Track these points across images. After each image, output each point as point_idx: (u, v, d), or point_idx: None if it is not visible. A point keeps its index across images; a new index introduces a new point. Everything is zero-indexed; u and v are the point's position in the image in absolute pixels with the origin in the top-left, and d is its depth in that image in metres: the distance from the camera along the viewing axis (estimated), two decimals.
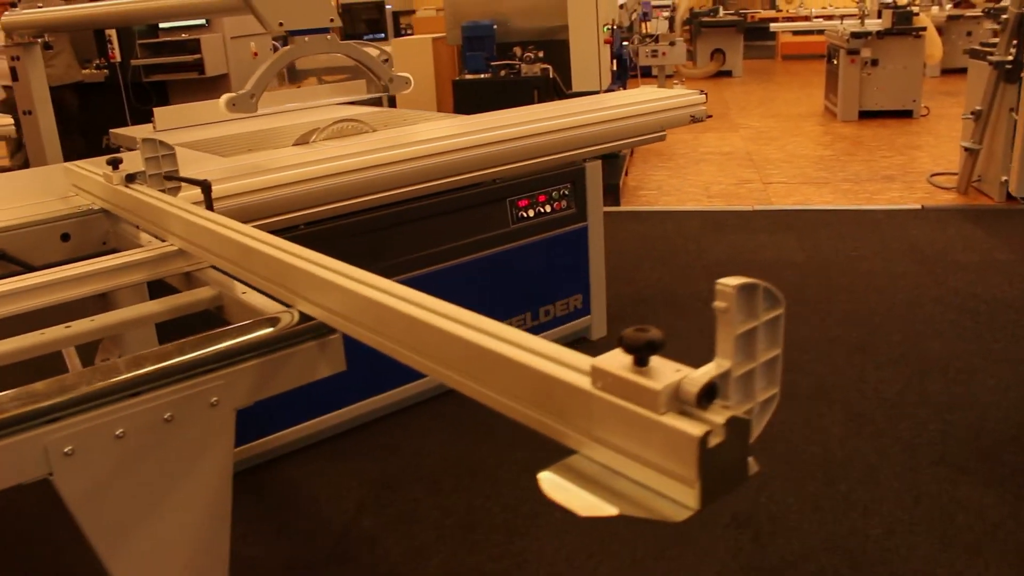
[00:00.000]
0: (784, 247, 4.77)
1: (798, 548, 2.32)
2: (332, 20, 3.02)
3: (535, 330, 3.41)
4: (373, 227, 2.94)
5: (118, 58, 7.06)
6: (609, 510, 0.83)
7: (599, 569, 2.31)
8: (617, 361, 0.86)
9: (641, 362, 0.84)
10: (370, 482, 2.75)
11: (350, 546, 2.45)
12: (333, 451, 2.94)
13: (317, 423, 2.96)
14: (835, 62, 8.91)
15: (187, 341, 1.37)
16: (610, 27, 5.92)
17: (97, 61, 7.18)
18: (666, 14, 12.26)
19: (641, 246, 4.97)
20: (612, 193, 5.92)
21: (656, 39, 9.47)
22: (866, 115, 8.63)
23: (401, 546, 2.43)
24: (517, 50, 6.01)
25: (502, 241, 3.27)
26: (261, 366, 1.42)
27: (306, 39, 2.99)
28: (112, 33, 6.94)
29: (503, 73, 5.94)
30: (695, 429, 0.78)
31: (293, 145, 3.18)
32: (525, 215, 3.33)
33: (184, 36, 7.16)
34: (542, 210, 3.38)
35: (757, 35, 13.89)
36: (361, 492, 2.70)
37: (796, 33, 14.42)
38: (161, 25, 7.07)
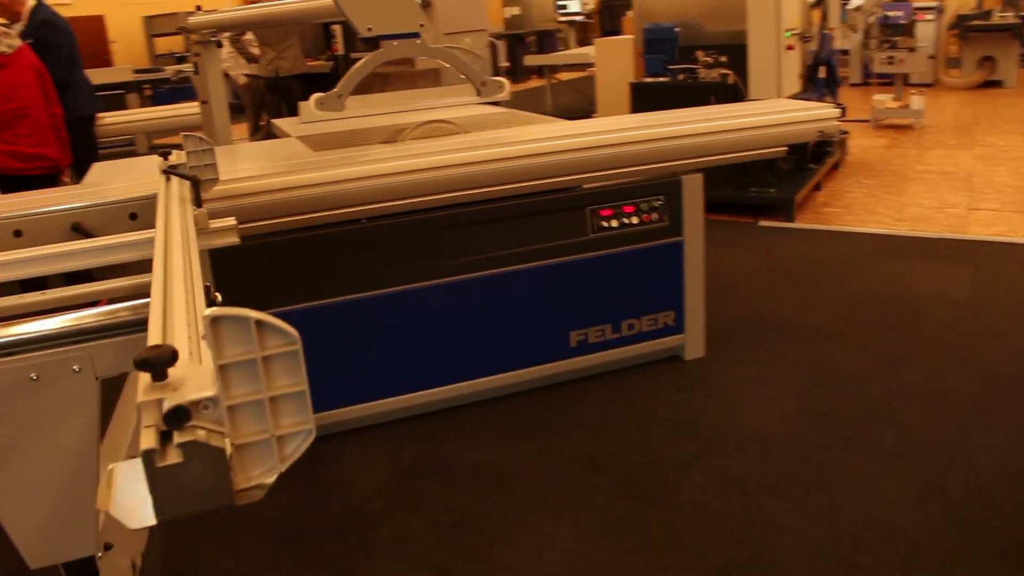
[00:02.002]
0: (951, 282, 4.28)
1: None
2: (421, 25, 3.14)
3: (616, 343, 3.36)
4: (441, 225, 3.03)
5: (341, 51, 7.67)
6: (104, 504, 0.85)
7: None
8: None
9: (157, 376, 0.85)
10: (399, 469, 2.85)
11: (349, 524, 2.57)
12: (384, 435, 3.08)
13: (379, 405, 3.11)
14: None
15: (61, 309, 1.55)
16: (796, 32, 5.57)
17: (326, 53, 7.85)
18: (929, 17, 11.28)
19: (785, 267, 4.66)
20: (785, 209, 5.59)
21: (894, 45, 8.75)
22: None
23: (390, 531, 2.51)
24: (699, 54, 5.83)
25: (579, 250, 3.24)
26: (123, 343, 1.55)
27: (395, 43, 3.14)
28: (337, 28, 7.55)
29: (680, 77, 5.79)
30: (146, 445, 0.79)
31: (381, 143, 3.34)
32: (607, 225, 3.26)
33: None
34: (627, 221, 3.30)
35: None
36: (386, 477, 2.81)
37: None
38: None
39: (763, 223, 5.55)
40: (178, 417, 0.81)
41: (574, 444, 2.94)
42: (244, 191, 2.71)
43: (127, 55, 14.25)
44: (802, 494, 2.59)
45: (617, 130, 3.26)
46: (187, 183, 2.37)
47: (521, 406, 3.22)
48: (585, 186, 3.23)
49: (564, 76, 13.75)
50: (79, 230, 2.56)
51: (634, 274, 3.36)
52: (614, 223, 3.28)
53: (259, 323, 0.85)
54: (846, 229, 5.36)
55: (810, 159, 6.25)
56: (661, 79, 5.92)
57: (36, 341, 1.50)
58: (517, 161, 3.02)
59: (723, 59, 5.74)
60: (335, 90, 3.17)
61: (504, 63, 15.19)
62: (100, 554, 1.76)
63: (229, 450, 0.83)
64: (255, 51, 7.61)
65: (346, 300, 2.96)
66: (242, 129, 7.81)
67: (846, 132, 7.16)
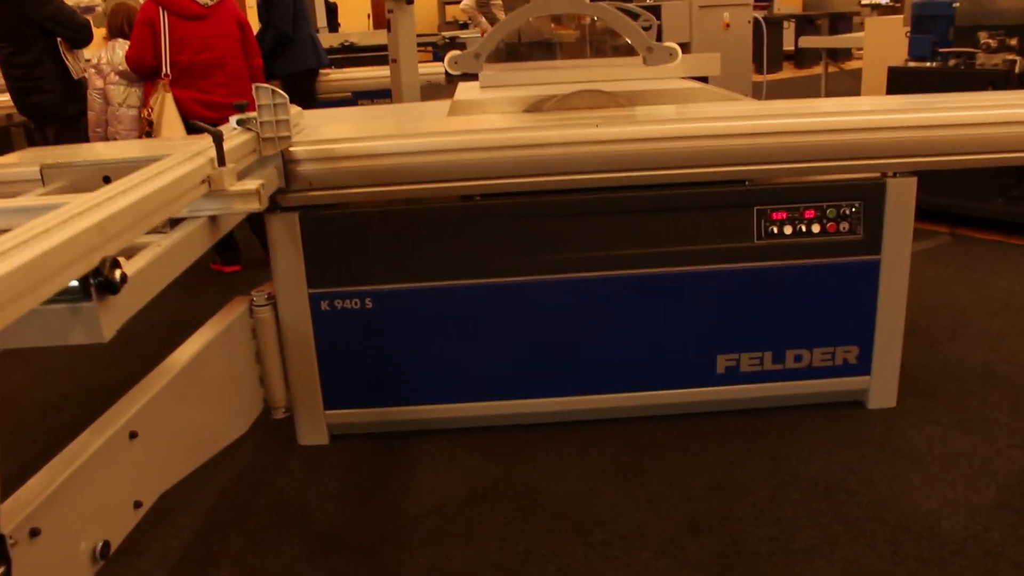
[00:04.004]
0: None
1: None
2: None
3: (776, 376, 2.76)
4: (567, 211, 2.59)
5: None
6: None
7: None
8: None
9: None
10: (469, 486, 2.47)
11: (389, 542, 2.23)
12: (468, 444, 2.70)
13: (469, 408, 2.74)
14: None
15: None
16: None
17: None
18: None
19: None
20: None
21: None
22: None
23: (426, 560, 2.14)
24: (982, 34, 4.80)
25: (739, 257, 2.64)
26: None
27: None
28: None
29: (952, 63, 4.81)
30: None
31: (523, 111, 2.93)
32: (778, 231, 2.64)
33: (649, 1, 7.11)
34: (806, 228, 2.64)
35: None
36: (452, 493, 2.44)
37: None
38: None
39: None
40: None
41: (681, 495, 2.39)
42: (330, 153, 2.42)
43: (420, 22, 14.83)
44: None
45: (804, 114, 2.61)
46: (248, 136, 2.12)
47: (639, 435, 2.71)
48: (754, 180, 2.63)
49: (851, 65, 12.43)
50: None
51: (810, 295, 2.70)
52: (788, 229, 2.64)
53: None
54: None
55: None
56: (927, 64, 4.96)
57: None
58: (663, 144, 2.50)
59: (1012, 42, 4.68)
60: (472, 49, 2.80)
61: (789, 46, 14.13)
62: (12, 539, 1.52)
63: None
64: (500, 15, 7.43)
65: (446, 285, 2.61)
66: None
67: None
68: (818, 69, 12.88)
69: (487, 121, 2.85)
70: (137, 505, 1.85)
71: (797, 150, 2.54)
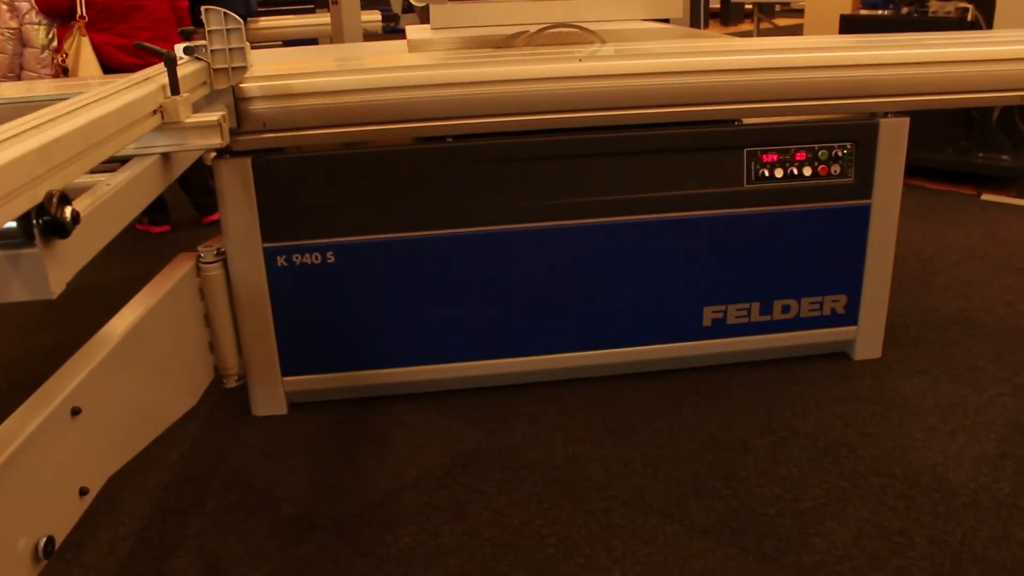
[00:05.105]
0: None
1: None
2: None
3: (764, 328, 2.61)
4: (546, 153, 2.37)
5: None
6: None
7: None
8: None
9: None
10: (452, 455, 2.27)
11: (367, 521, 2.01)
12: (447, 408, 2.50)
13: (446, 370, 2.53)
14: None
15: None
16: None
17: None
18: None
19: (1009, 255, 3.65)
20: (1020, 181, 4.49)
21: None
22: None
23: (411, 538, 1.93)
24: None
25: (727, 203, 2.48)
26: None
27: None
28: None
29: (905, 10, 4.75)
30: None
31: (495, 48, 2.70)
32: (769, 174, 2.48)
33: None
34: (798, 172, 2.50)
35: None
36: (433, 463, 2.24)
37: None
38: None
39: (987, 197, 4.48)
40: None
41: (678, 456, 2.24)
42: (287, 90, 2.15)
43: None
44: None
45: (794, 50, 2.45)
46: (200, 66, 1.84)
47: (626, 394, 2.54)
48: (745, 121, 2.46)
49: (783, 22, 12.45)
50: None
51: (799, 242, 2.56)
52: (779, 172, 2.49)
53: None
54: None
55: None
56: (880, 12, 4.89)
57: None
58: (650, 79, 2.31)
59: None
60: None
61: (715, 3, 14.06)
62: None
63: None
64: None
65: (416, 236, 2.38)
66: None
67: None
68: (745, 26, 12.89)
69: (455, 57, 2.61)
70: (83, 492, 1.59)
71: (790, 87, 2.38)
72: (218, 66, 1.96)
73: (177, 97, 1.59)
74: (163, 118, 1.56)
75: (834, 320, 2.68)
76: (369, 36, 5.27)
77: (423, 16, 3.54)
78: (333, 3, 4.09)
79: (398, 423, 2.43)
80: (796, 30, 11.09)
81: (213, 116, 1.64)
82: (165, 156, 1.64)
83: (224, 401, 2.51)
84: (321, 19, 5.11)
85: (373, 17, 5.13)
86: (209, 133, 1.61)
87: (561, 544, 1.92)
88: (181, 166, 1.72)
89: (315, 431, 2.42)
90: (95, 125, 1.26)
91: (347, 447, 2.33)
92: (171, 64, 1.61)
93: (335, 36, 4.19)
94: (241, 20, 2.04)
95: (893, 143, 2.51)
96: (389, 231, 2.35)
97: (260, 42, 5.38)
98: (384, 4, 6.72)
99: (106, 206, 1.30)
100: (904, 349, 2.80)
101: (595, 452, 2.26)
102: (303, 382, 2.48)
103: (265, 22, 5.46)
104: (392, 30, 5.84)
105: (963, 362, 2.72)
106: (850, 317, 2.68)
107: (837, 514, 2.00)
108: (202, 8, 1.98)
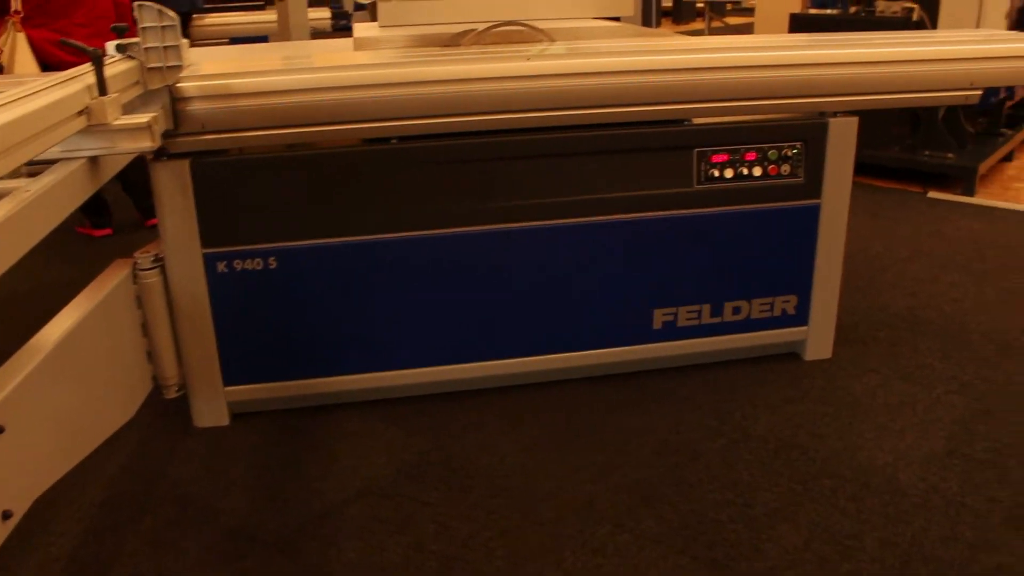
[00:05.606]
0: None
1: None
2: None
3: (714, 330, 2.60)
4: (491, 155, 2.33)
5: None
6: None
7: None
8: None
9: None
10: (397, 464, 2.22)
11: (312, 534, 1.96)
12: (393, 416, 2.45)
13: (391, 377, 2.48)
14: None
15: None
16: None
17: None
18: None
19: (956, 252, 3.69)
20: (965, 179, 4.55)
21: None
22: None
23: (355, 553, 1.88)
24: None
25: (676, 204, 2.46)
26: None
27: None
28: None
29: (853, 9, 4.79)
30: None
31: (442, 46, 2.65)
32: (718, 175, 2.47)
33: None
34: (747, 172, 2.49)
35: None
36: (379, 473, 2.18)
37: None
38: None
39: (934, 194, 4.54)
40: None
41: (628, 461, 2.21)
42: (226, 90, 2.08)
43: None
44: None
45: (744, 49, 2.44)
46: (131, 64, 1.76)
47: (574, 400, 2.51)
48: (694, 121, 2.44)
49: (734, 20, 12.52)
50: None
51: (748, 243, 2.55)
52: (728, 173, 2.48)
53: None
54: None
55: (1004, 122, 5.11)
56: (828, 11, 4.93)
57: None
58: (598, 79, 2.28)
59: None
60: None
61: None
62: None
63: None
64: None
65: (359, 241, 2.32)
66: None
67: None
68: (697, 24, 12.97)
69: (401, 55, 2.55)
70: (6, 516, 1.51)
71: (739, 87, 2.37)
72: (152, 65, 1.88)
73: (105, 98, 1.52)
74: (89, 120, 1.49)
75: (785, 321, 2.67)
76: (318, 34, 5.19)
77: (374, 13, 3.49)
78: (279, 0, 4.00)
79: (344, 432, 2.37)
80: (747, 28, 11.17)
81: (143, 118, 1.57)
82: (93, 160, 1.56)
83: (164, 412, 2.43)
84: (268, 16, 5.01)
85: (322, 15, 5.04)
86: (139, 136, 1.54)
87: (510, 557, 1.88)
88: (111, 170, 1.65)
89: (258, 442, 2.35)
90: (12, 127, 1.19)
91: (291, 458, 2.27)
92: (98, 63, 1.54)
93: (281, 34, 4.10)
94: (177, 17, 1.97)
95: (842, 142, 2.51)
96: (332, 235, 2.29)
97: (206, 39, 5.27)
98: (335, 1, 6.62)
99: (25, 213, 1.23)
100: (854, 348, 2.81)
101: (544, 459, 2.23)
102: (245, 392, 2.41)
103: (211, 19, 5.34)
104: (343, 27, 5.75)
105: (912, 360, 2.74)
106: (800, 317, 2.68)
107: (789, 518, 1.99)
108: (135, 4, 1.90)
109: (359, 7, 6.44)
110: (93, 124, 1.48)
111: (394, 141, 2.28)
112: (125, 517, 2.04)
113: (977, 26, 4.39)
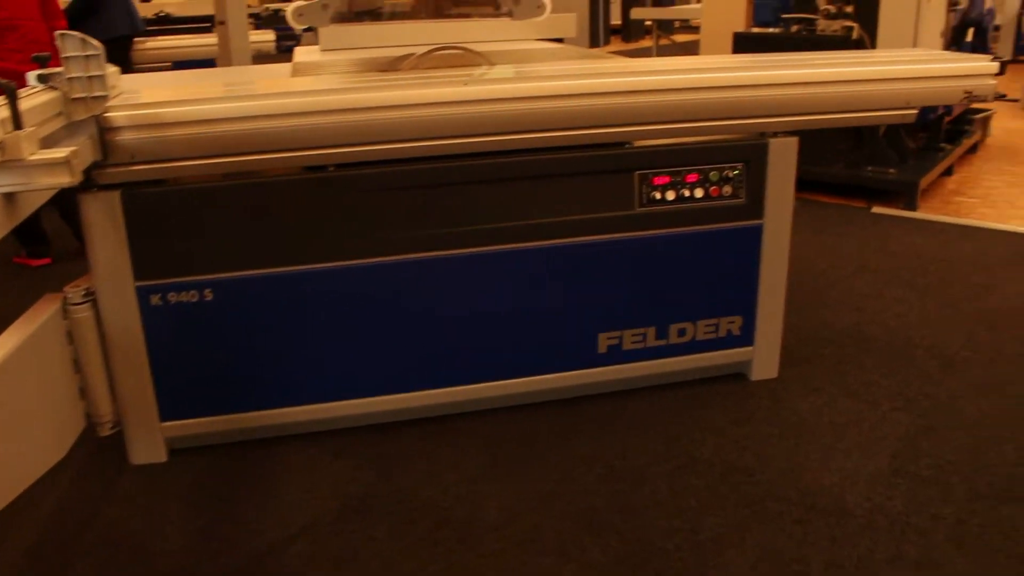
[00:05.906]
0: None
1: None
2: None
3: (659, 352, 2.59)
4: (431, 182, 2.30)
5: None
6: None
7: None
8: None
9: None
10: (341, 499, 2.17)
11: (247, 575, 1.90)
12: (337, 448, 2.40)
13: (334, 408, 2.43)
14: None
15: None
16: None
17: None
18: None
19: (899, 267, 3.74)
20: (907, 194, 4.62)
21: None
22: None
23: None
24: (821, 1, 4.87)
25: (618, 227, 2.46)
26: None
27: None
28: None
29: (794, 28, 4.86)
30: None
31: (378, 71, 2.62)
32: (660, 197, 2.47)
33: None
34: (689, 194, 2.49)
35: None
36: (323, 509, 2.13)
37: None
38: None
39: (877, 210, 4.61)
40: None
41: (576, 490, 2.19)
42: (156, 119, 2.03)
43: None
44: None
45: (683, 70, 2.45)
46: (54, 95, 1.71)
47: (520, 426, 2.49)
48: (635, 143, 2.44)
49: (681, 38, 12.64)
50: None
51: (692, 264, 2.55)
52: (670, 195, 2.48)
53: None
54: (981, 224, 4.37)
55: (943, 137, 5.22)
56: (771, 30, 5.00)
57: None
58: (536, 103, 2.26)
59: (849, 9, 4.77)
60: None
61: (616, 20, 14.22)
62: None
63: None
64: None
65: (297, 271, 2.27)
66: None
67: (989, 111, 6.05)
68: (645, 42, 13.08)
69: (338, 81, 2.52)
70: None
71: (680, 108, 2.37)
72: (76, 95, 1.83)
73: (19, 132, 1.47)
74: (3, 155, 1.43)
75: (730, 342, 2.68)
76: (262, 57, 5.13)
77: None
78: (220, 23, 3.94)
79: (286, 466, 2.32)
80: (694, 46, 11.29)
81: (61, 153, 1.52)
82: (8, 196, 1.51)
83: (98, 450, 2.36)
84: (212, 40, 4.94)
85: (266, 37, 4.98)
86: (57, 171, 1.49)
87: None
88: (28, 207, 1.59)
89: (197, 478, 2.28)
90: None
91: (231, 495, 2.21)
92: (12, 95, 1.49)
93: (222, 58, 4.05)
94: (101, 46, 1.92)
95: (783, 162, 2.53)
96: (268, 266, 2.24)
97: (149, 63, 5.19)
98: (283, 24, 6.57)
99: None
100: (800, 367, 2.82)
101: (489, 489, 2.19)
102: (183, 427, 2.35)
103: (153, 43, 5.26)
104: (289, 50, 5.70)
105: (857, 377, 2.76)
106: (746, 338, 2.69)
107: (735, 543, 1.98)
108: (55, 33, 1.85)
109: (309, 28, 6.41)
110: (7, 159, 1.42)
111: (331, 168, 2.24)
112: (56, 562, 1.97)
113: (914, 44, 4.48)
